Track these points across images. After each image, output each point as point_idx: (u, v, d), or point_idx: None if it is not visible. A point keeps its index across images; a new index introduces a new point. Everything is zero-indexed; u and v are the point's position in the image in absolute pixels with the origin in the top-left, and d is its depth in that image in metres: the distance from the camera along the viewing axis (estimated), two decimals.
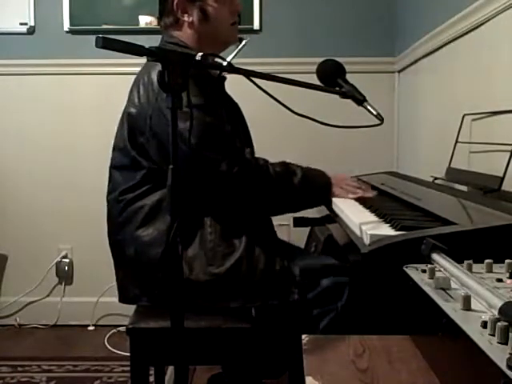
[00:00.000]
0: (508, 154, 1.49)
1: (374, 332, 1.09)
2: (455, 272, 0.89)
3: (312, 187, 1.61)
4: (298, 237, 2.28)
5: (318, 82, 1.50)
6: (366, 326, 1.35)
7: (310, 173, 1.62)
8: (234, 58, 1.68)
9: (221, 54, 1.50)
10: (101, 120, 2.96)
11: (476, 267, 0.93)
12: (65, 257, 3.10)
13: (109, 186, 1.64)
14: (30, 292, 3.07)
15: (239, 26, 1.72)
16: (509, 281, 0.87)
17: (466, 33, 1.97)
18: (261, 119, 2.59)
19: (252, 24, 2.95)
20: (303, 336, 1.10)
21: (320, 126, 1.36)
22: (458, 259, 0.94)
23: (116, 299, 1.62)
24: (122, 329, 2.68)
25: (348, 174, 1.82)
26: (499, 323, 0.67)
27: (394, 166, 2.93)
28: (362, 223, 1.29)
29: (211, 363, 1.96)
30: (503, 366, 0.60)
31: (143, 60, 1.22)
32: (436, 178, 1.98)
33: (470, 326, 0.71)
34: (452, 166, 1.91)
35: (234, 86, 1.66)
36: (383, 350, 1.00)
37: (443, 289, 0.86)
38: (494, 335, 0.67)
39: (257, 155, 1.70)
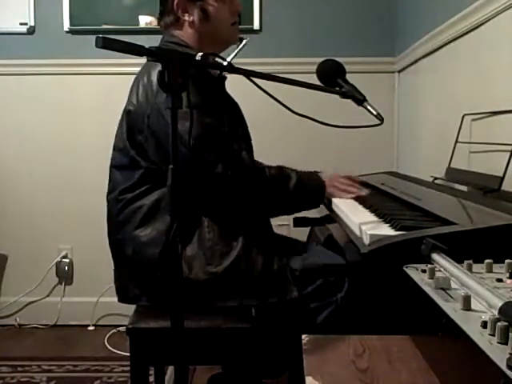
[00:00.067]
0: (508, 154, 1.49)
1: (373, 332, 1.09)
2: (455, 272, 0.89)
3: (306, 190, 1.62)
4: (297, 237, 2.25)
5: (318, 82, 1.50)
6: (365, 325, 1.35)
7: (304, 176, 1.62)
8: (234, 57, 1.68)
9: (221, 54, 1.50)
10: (101, 120, 2.96)
11: (476, 267, 0.93)
12: (65, 257, 3.10)
13: (109, 185, 1.64)
14: (30, 292, 3.07)
15: (239, 26, 1.72)
16: (509, 281, 0.87)
17: (466, 33, 1.97)
18: (261, 119, 2.59)
19: (252, 24, 2.95)
20: (303, 336, 1.10)
21: (320, 125, 1.36)
22: (458, 259, 0.94)
23: (116, 299, 1.62)
24: (122, 329, 2.68)
25: (348, 174, 1.82)
26: (499, 323, 0.67)
27: (394, 166, 2.93)
28: (362, 223, 1.29)
29: (211, 363, 1.96)
30: (503, 366, 0.60)
31: (143, 60, 1.22)
32: (436, 178, 1.98)
33: (470, 326, 0.71)
34: (452, 166, 1.91)
35: (234, 85, 1.66)
36: (383, 350, 1.00)
37: (443, 289, 0.86)
38: (494, 335, 0.67)
39: (257, 155, 1.70)
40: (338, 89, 1.47)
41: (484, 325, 0.70)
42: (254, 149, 1.71)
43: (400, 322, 1.07)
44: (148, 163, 1.54)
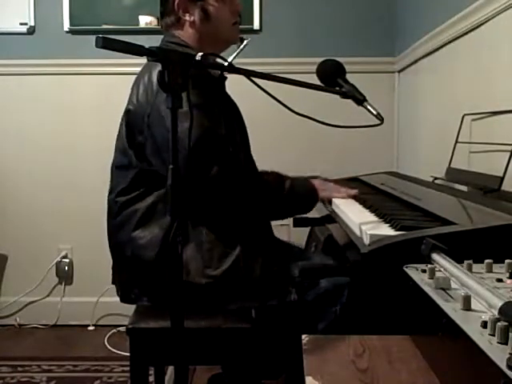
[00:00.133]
0: (508, 154, 1.49)
1: (373, 332, 1.09)
2: (455, 272, 0.89)
3: (299, 195, 1.62)
4: (298, 237, 2.27)
5: (318, 82, 1.50)
6: (365, 326, 1.35)
7: (297, 181, 1.62)
8: (235, 58, 1.68)
9: (222, 54, 1.50)
10: (101, 120, 2.97)
11: (476, 267, 0.93)
12: (65, 257, 3.10)
13: (110, 185, 1.64)
14: (30, 292, 3.07)
15: (239, 26, 1.72)
16: (509, 281, 0.87)
17: (466, 33, 1.97)
18: (261, 119, 2.60)
19: (252, 24, 2.95)
20: (303, 336, 1.10)
21: (320, 125, 1.36)
22: (458, 259, 0.94)
23: (116, 299, 1.62)
24: (122, 329, 2.68)
25: (348, 174, 1.82)
26: (499, 323, 0.67)
27: (394, 166, 2.93)
28: (362, 223, 1.29)
29: (211, 363, 1.96)
30: (503, 366, 0.60)
31: (143, 60, 1.22)
32: (436, 178, 1.98)
33: (470, 326, 0.71)
34: (452, 166, 1.91)
35: (234, 85, 1.66)
36: (383, 350, 1.00)
37: (443, 289, 0.86)
38: (494, 335, 0.67)
39: (257, 155, 1.70)
40: (338, 89, 1.47)
41: (484, 325, 0.70)
42: (254, 149, 1.71)
43: (400, 322, 1.07)
44: (144, 164, 1.53)
